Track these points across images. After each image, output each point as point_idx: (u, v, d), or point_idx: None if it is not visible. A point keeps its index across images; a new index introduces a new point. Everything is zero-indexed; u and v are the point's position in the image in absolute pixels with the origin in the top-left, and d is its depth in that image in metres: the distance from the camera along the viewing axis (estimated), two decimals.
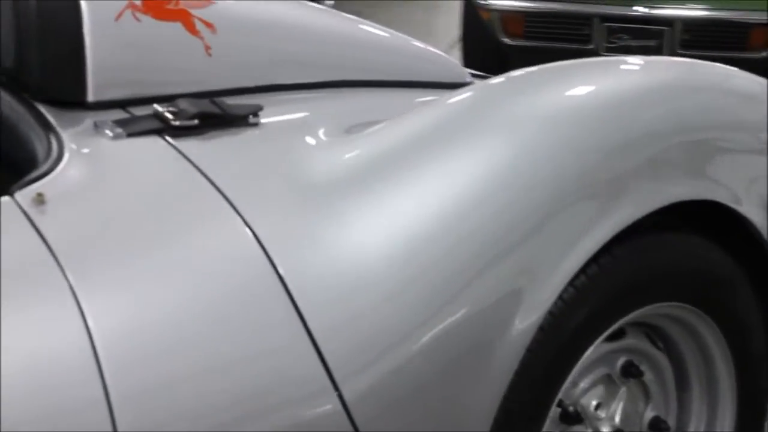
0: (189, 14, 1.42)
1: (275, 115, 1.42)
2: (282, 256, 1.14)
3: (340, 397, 1.11)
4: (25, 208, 1.10)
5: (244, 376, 1.08)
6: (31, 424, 0.95)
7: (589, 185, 1.29)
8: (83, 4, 1.31)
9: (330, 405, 1.11)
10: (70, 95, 1.31)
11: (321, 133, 1.39)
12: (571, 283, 1.28)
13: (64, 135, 1.23)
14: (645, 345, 1.55)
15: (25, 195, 1.12)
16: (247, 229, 1.16)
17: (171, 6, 1.40)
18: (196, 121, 1.31)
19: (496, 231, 1.22)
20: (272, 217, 1.19)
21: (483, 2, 4.20)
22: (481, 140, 1.31)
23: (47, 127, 1.23)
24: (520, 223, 1.24)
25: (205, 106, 1.34)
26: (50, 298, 1.03)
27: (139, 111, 1.34)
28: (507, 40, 4.22)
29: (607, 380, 1.51)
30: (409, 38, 1.77)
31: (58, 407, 0.97)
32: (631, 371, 1.52)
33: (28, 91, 1.31)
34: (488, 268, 1.21)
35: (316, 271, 1.15)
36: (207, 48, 1.43)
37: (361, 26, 1.71)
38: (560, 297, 1.27)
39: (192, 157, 1.26)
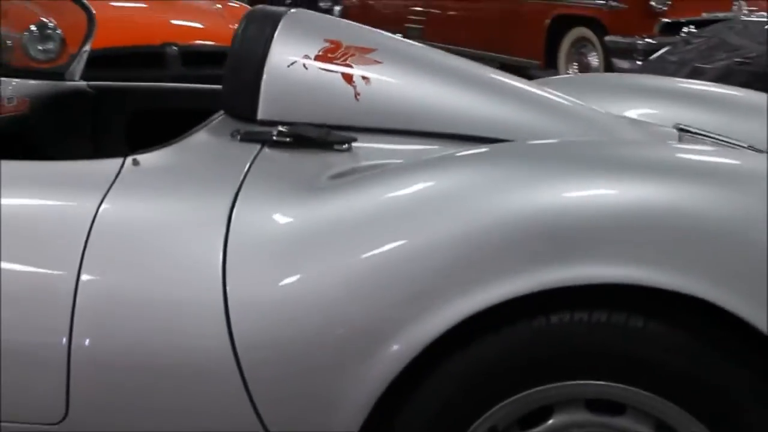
0: (351, 68, 1.93)
1: (365, 151, 1.84)
2: (235, 252, 1.62)
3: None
4: (125, 167, 1.80)
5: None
6: None
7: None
8: (271, 53, 1.93)
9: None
10: (246, 113, 1.93)
11: (366, 172, 1.78)
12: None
13: (204, 132, 1.88)
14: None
15: (130, 159, 1.82)
16: (225, 222, 1.65)
17: (338, 61, 1.93)
18: (289, 139, 1.84)
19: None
20: (253, 220, 1.66)
21: None
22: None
23: (202, 127, 1.90)
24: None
25: (311, 131, 1.85)
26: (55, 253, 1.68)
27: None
28: None
29: None
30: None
31: None
32: None
33: (223, 107, 1.98)
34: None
35: (257, 279, 1.60)
36: (357, 94, 1.91)
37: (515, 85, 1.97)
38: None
39: (257, 161, 1.80)
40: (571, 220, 1.51)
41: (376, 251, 1.56)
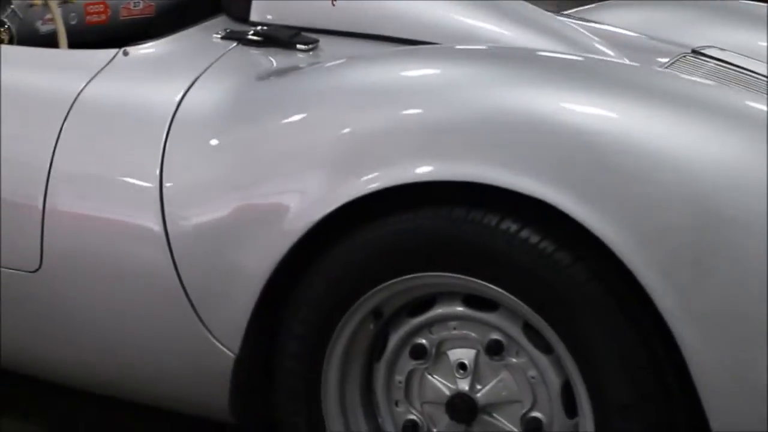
0: None
1: (325, 52, 1.99)
2: (176, 130, 1.83)
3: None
4: (117, 56, 2.04)
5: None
6: None
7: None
8: None
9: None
10: (241, 14, 2.13)
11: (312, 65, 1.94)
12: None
13: (197, 29, 2.10)
14: (516, 331, 1.66)
15: (123, 50, 2.05)
16: (176, 104, 1.87)
17: None
18: (260, 39, 2.02)
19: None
20: (197, 104, 1.85)
21: None
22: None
23: (198, 24, 2.12)
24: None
25: (280, 32, 2.02)
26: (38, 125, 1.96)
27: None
28: None
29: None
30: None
31: None
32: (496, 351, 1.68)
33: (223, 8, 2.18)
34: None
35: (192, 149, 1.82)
36: (333, 1, 2.06)
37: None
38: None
39: (227, 53, 1.99)
40: (441, 119, 1.60)
41: (281, 132, 1.74)
